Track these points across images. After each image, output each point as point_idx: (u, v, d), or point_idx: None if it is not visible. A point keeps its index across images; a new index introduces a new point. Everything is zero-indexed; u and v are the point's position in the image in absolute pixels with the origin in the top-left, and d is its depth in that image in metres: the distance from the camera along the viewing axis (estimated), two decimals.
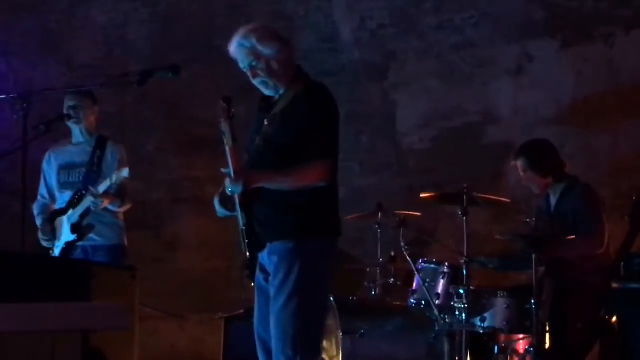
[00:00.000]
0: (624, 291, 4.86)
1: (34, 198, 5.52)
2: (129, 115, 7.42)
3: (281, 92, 3.81)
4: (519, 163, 5.17)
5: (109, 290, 3.89)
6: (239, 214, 3.74)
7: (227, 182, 3.70)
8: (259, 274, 3.86)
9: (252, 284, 3.91)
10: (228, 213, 3.83)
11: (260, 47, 3.75)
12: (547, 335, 4.91)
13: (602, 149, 6.44)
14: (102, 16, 7.60)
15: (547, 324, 4.90)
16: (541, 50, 6.69)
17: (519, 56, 6.75)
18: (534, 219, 5.05)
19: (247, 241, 3.74)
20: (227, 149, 3.71)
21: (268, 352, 3.80)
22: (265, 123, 3.78)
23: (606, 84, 6.50)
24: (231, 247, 3.93)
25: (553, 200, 5.17)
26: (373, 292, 5.67)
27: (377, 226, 5.81)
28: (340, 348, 5.13)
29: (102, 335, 3.16)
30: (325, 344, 5.23)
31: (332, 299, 5.17)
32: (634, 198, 4.51)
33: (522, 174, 5.19)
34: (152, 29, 7.55)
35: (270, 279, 3.77)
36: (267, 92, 3.84)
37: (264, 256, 3.80)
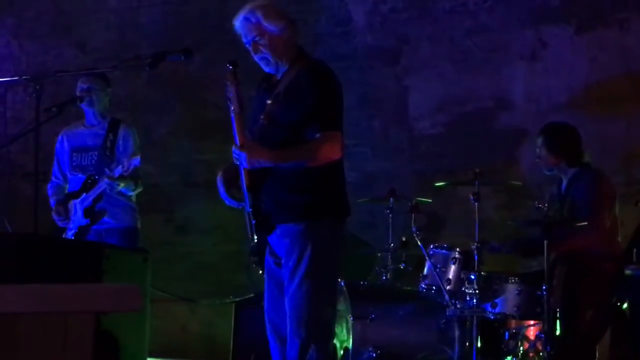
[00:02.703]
0: (636, 278, 4.85)
1: (46, 180, 5.54)
2: (141, 99, 7.43)
3: (282, 70, 3.81)
4: (539, 140, 5.22)
5: (121, 273, 3.90)
6: (245, 195, 3.72)
7: (233, 149, 3.69)
8: (268, 258, 3.85)
9: (260, 271, 3.89)
10: (235, 202, 3.82)
11: (265, 24, 3.76)
12: (558, 322, 4.90)
13: (615, 135, 6.40)
14: None
15: (558, 310, 4.89)
16: (555, 35, 6.64)
17: (532, 41, 6.70)
18: (546, 205, 5.03)
19: (254, 222, 3.72)
20: (233, 115, 3.70)
21: (280, 336, 3.79)
22: (269, 102, 3.77)
23: (620, 70, 6.45)
24: (242, 231, 3.90)
25: (564, 185, 5.17)
26: (384, 277, 5.66)
27: (388, 211, 5.79)
28: (351, 333, 5.13)
29: (113, 317, 3.17)
30: (335, 328, 5.24)
31: (342, 283, 5.18)
32: None
33: (537, 151, 5.22)
34: (164, 12, 7.53)
35: (282, 262, 3.76)
36: (267, 68, 3.85)
37: (273, 239, 3.79)
